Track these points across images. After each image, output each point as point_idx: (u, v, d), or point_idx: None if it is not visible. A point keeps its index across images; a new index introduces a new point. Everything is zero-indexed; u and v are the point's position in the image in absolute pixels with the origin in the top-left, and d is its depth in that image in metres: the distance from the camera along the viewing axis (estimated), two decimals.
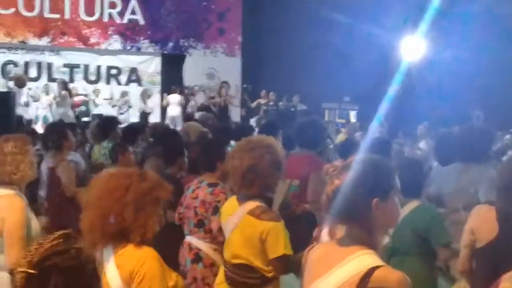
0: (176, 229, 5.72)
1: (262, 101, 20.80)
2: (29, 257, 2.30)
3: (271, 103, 20.78)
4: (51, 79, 20.70)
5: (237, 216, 4.38)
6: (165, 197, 3.41)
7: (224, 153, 5.64)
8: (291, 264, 4.36)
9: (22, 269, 2.27)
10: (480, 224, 4.38)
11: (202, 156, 5.82)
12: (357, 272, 2.57)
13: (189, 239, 5.44)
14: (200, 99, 21.13)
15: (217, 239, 5.19)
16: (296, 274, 4.39)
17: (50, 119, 17.96)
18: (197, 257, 5.31)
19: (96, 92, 20.93)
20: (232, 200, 4.58)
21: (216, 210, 5.21)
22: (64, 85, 18.61)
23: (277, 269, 4.32)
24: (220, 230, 5.01)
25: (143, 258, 3.23)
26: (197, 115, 17.55)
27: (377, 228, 2.75)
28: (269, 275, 4.32)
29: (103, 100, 20.80)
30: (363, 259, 2.62)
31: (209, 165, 5.63)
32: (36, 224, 4.66)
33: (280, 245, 4.22)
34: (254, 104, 21.05)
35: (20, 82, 16.28)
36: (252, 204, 4.33)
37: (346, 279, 2.59)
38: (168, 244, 5.50)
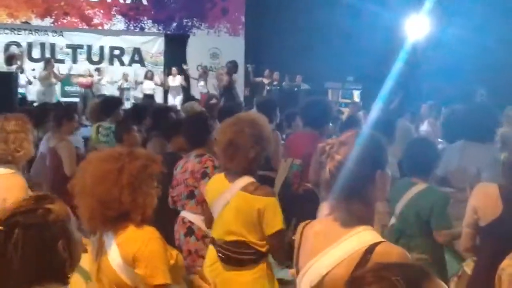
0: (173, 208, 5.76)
1: (265, 80, 20.76)
2: (1, 216, 2.41)
3: (274, 83, 20.75)
4: (54, 59, 20.63)
5: (229, 193, 4.36)
6: (158, 170, 3.40)
7: (208, 128, 5.79)
8: (287, 240, 4.35)
9: None
10: (483, 202, 4.37)
11: (188, 133, 5.87)
12: (357, 249, 2.56)
13: (183, 213, 5.49)
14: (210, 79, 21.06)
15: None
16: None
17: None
18: (190, 230, 5.36)
19: (101, 72, 20.87)
20: (220, 177, 4.54)
21: (204, 175, 5.29)
22: (48, 63, 18.46)
23: (275, 244, 4.32)
24: None
25: (146, 239, 3.23)
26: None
27: (375, 201, 2.75)
28: (263, 249, 4.33)
29: (106, 81, 20.72)
30: (363, 235, 2.61)
31: (196, 141, 5.71)
32: None
33: (277, 220, 4.25)
34: (257, 80, 20.99)
35: (9, 60, 16.15)
36: (245, 180, 4.33)
37: (346, 256, 2.57)
38: (167, 221, 5.58)
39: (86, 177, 3.28)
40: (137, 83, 21.04)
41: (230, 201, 4.35)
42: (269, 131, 4.53)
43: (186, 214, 5.44)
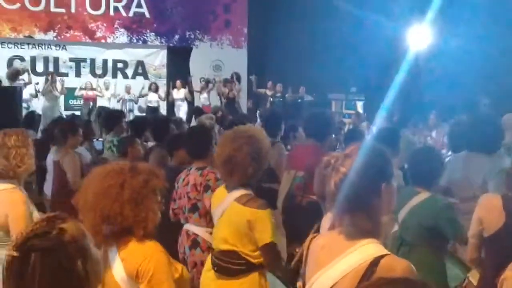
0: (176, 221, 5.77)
1: (268, 91, 20.79)
2: (15, 241, 2.33)
3: (278, 94, 20.78)
4: (58, 73, 20.67)
5: (224, 204, 4.49)
6: (161, 185, 3.40)
7: (210, 141, 5.91)
8: (279, 252, 4.53)
9: (8, 252, 2.29)
10: (488, 213, 4.37)
11: (190, 145, 5.89)
12: (362, 262, 2.56)
13: (186, 226, 5.49)
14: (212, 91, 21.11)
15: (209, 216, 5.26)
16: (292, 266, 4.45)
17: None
18: (194, 243, 5.37)
19: (106, 84, 20.91)
20: (221, 189, 4.67)
21: (207, 188, 5.33)
22: (49, 78, 18.48)
23: (266, 256, 4.41)
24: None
25: (150, 253, 3.23)
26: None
27: (381, 214, 2.73)
28: (254, 261, 4.40)
29: (110, 94, 20.78)
30: (367, 248, 2.61)
31: (197, 153, 5.73)
32: (37, 216, 4.68)
33: (268, 233, 4.32)
34: (260, 91, 21.04)
35: (12, 76, 16.15)
36: (239, 192, 4.43)
37: (351, 269, 2.57)
38: (170, 234, 5.58)
39: (89, 192, 3.28)
40: (141, 96, 21.07)
41: (225, 211, 4.47)
42: (268, 147, 4.60)
43: (190, 227, 5.44)
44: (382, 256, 2.56)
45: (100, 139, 10.69)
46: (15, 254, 2.27)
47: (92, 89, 20.38)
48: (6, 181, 4.69)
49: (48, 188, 7.73)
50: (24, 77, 18.30)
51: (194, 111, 15.53)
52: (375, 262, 2.53)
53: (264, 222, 4.32)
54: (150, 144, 8.52)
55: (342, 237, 2.70)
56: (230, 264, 4.44)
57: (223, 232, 4.49)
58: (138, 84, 21.75)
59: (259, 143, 4.47)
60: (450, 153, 7.71)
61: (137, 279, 3.20)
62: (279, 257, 4.60)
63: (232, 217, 4.42)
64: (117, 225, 3.22)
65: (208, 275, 4.64)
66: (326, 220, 3.87)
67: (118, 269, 3.24)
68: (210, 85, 21.38)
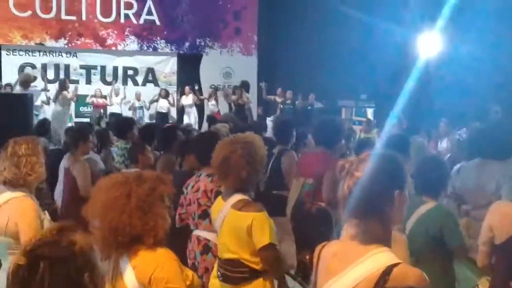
0: (184, 226, 5.77)
1: (278, 98, 20.78)
2: (23, 248, 2.32)
3: (288, 101, 20.77)
4: (68, 80, 20.69)
5: (223, 212, 4.55)
6: (168, 191, 3.40)
7: None
8: (279, 254, 4.56)
9: (15, 259, 2.28)
10: (499, 220, 4.36)
11: (199, 151, 5.92)
12: (374, 271, 2.54)
13: (196, 232, 5.48)
14: (221, 98, 21.12)
15: None
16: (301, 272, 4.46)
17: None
18: (206, 248, 5.36)
19: (116, 91, 20.99)
20: (219, 199, 4.76)
21: (218, 194, 5.28)
22: (61, 85, 18.51)
23: (265, 259, 4.43)
24: None
25: (162, 261, 3.23)
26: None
27: (392, 222, 2.73)
28: (258, 267, 4.44)
29: (120, 100, 20.82)
30: (380, 257, 2.59)
31: (207, 159, 5.68)
32: (47, 224, 4.68)
33: (265, 235, 4.35)
34: (269, 97, 21.05)
35: (25, 83, 16.18)
36: (235, 198, 4.51)
37: (363, 278, 2.55)
38: (175, 239, 5.57)
39: (97, 204, 3.28)
40: (152, 102, 21.10)
41: (224, 219, 4.53)
42: (263, 154, 4.67)
43: (201, 233, 5.43)
44: (394, 265, 2.54)
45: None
46: (23, 261, 2.25)
47: (102, 96, 20.42)
48: (17, 189, 4.70)
49: (58, 194, 7.74)
50: (38, 83, 18.35)
51: (209, 119, 15.52)
52: (388, 271, 2.52)
53: (261, 224, 4.37)
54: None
55: (354, 244, 2.68)
56: (234, 272, 4.48)
57: (225, 240, 4.54)
58: (149, 91, 21.78)
59: (254, 148, 4.57)
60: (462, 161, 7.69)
61: (150, 287, 3.19)
62: (279, 259, 4.60)
63: (231, 224, 4.47)
64: (126, 235, 3.21)
65: (214, 281, 4.70)
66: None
67: (129, 277, 3.24)
68: (219, 92, 21.41)
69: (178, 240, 5.42)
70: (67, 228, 2.41)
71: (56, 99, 18.02)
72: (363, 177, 2.67)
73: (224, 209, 4.54)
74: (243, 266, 4.43)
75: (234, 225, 4.44)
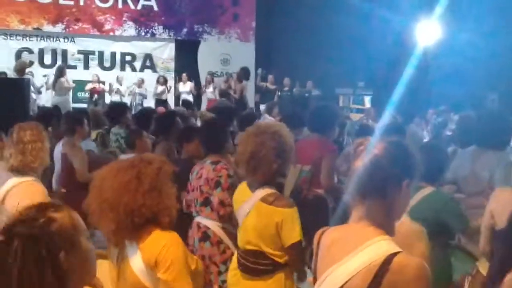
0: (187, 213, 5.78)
1: (270, 85, 20.73)
2: (3, 225, 2.28)
3: (285, 88, 20.74)
4: (66, 66, 20.67)
5: (249, 204, 4.41)
6: (171, 170, 3.42)
7: (226, 134, 5.84)
8: (304, 249, 4.43)
9: None
10: (500, 207, 4.37)
11: (205, 138, 5.87)
12: (375, 259, 2.53)
13: (198, 219, 5.47)
14: (219, 84, 21.07)
15: (219, 212, 5.29)
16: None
17: None
18: (205, 236, 5.35)
19: (119, 79, 20.98)
20: (243, 186, 4.60)
21: (217, 185, 5.32)
22: (59, 72, 18.45)
23: (293, 255, 4.36)
24: (220, 203, 5.26)
25: (169, 243, 3.24)
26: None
27: (396, 212, 2.72)
28: (281, 260, 4.35)
29: (119, 87, 20.79)
30: (380, 245, 2.58)
31: (212, 146, 5.71)
32: None
33: (296, 231, 4.26)
34: (261, 84, 21.02)
35: (21, 70, 16.10)
36: (264, 191, 4.36)
37: (363, 266, 2.54)
38: (181, 227, 5.59)
39: (105, 192, 3.26)
40: (149, 89, 21.04)
41: (250, 211, 4.40)
42: (291, 143, 4.54)
43: (202, 220, 5.42)
44: (395, 254, 2.54)
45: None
46: (1, 238, 2.22)
47: (100, 81, 20.39)
48: (25, 174, 4.73)
49: (55, 180, 7.76)
50: (31, 69, 18.33)
51: (184, 104, 15.36)
52: (388, 260, 2.51)
53: (293, 220, 4.27)
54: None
55: (354, 231, 2.69)
56: (256, 264, 4.40)
57: (248, 232, 4.42)
58: (147, 77, 21.74)
59: (283, 139, 4.41)
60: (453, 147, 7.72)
61: (156, 268, 3.21)
62: (304, 256, 4.52)
63: (259, 217, 4.35)
64: (142, 217, 3.22)
65: (234, 273, 4.60)
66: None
67: (136, 260, 3.26)
68: (216, 80, 21.35)
69: (182, 226, 5.49)
70: (49, 206, 2.36)
71: (53, 86, 17.98)
72: (380, 156, 2.66)
73: (251, 200, 4.41)
74: (267, 258, 4.35)
75: (262, 219, 4.32)
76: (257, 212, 4.35)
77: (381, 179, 2.65)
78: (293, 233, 4.26)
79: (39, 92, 18.55)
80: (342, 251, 2.66)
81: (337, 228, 2.88)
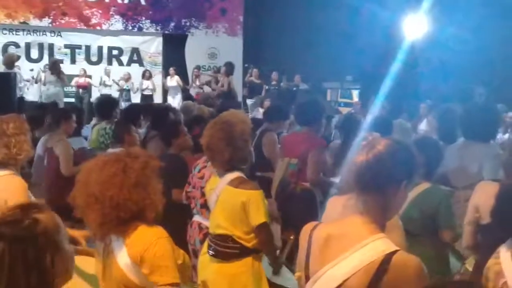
0: (181, 207, 5.79)
1: (255, 80, 20.68)
2: None
3: (273, 83, 20.72)
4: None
5: (218, 189, 4.63)
6: (158, 165, 3.39)
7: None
8: (272, 233, 4.70)
9: None
10: (485, 200, 4.37)
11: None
12: (373, 259, 2.53)
13: (199, 219, 5.47)
14: (204, 78, 21.04)
15: None
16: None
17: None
18: (206, 237, 5.30)
19: (107, 71, 20.89)
20: (213, 177, 4.85)
21: None
22: (55, 65, 18.34)
23: (261, 236, 4.52)
24: None
25: (154, 239, 3.22)
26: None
27: (391, 210, 2.73)
28: (249, 245, 4.52)
29: (106, 81, 20.71)
30: (377, 244, 2.58)
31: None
32: None
33: (261, 213, 4.46)
34: (246, 78, 21.01)
35: (9, 64, 16.00)
36: (231, 176, 4.59)
37: (362, 266, 2.54)
38: (173, 222, 5.58)
39: (91, 186, 3.23)
40: (136, 83, 20.96)
41: (218, 196, 4.61)
42: (241, 129, 4.70)
43: (203, 221, 5.40)
44: (393, 253, 2.54)
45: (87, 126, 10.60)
46: None
47: (87, 76, 20.29)
48: (4, 167, 4.68)
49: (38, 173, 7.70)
50: (18, 63, 18.22)
51: (187, 99, 15.44)
52: (387, 259, 2.52)
53: (258, 202, 4.45)
54: (142, 131, 8.51)
55: (351, 228, 2.68)
56: (225, 248, 4.54)
57: (218, 216, 4.60)
58: (134, 71, 21.64)
59: (231, 128, 4.62)
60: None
61: (142, 264, 3.19)
62: (273, 237, 4.73)
63: (226, 200, 4.53)
64: (127, 211, 3.20)
65: (204, 258, 4.76)
66: (334, 203, 3.85)
67: (122, 255, 3.24)
68: (202, 74, 21.31)
69: (177, 217, 5.48)
70: (32, 206, 2.36)
71: (47, 79, 17.85)
72: (384, 152, 2.66)
73: (219, 185, 4.62)
74: (235, 242, 4.50)
75: (230, 201, 4.51)
76: (225, 196, 4.56)
77: (382, 175, 2.65)
78: (258, 215, 4.44)
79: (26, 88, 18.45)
80: (338, 249, 2.65)
81: (331, 223, 2.88)
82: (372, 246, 2.58)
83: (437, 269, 4.02)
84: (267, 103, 12.20)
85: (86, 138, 9.31)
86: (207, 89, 19.96)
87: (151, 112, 8.76)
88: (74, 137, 7.87)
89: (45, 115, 8.49)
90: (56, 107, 9.04)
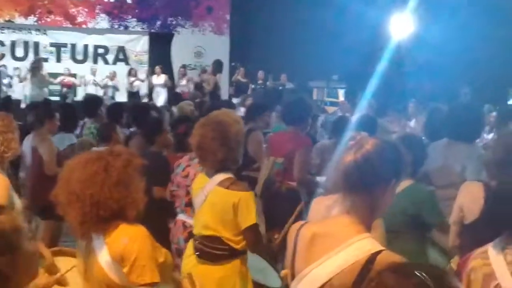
0: (162, 206, 5.76)
1: (241, 78, 20.68)
2: None
3: (259, 82, 20.72)
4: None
5: (207, 189, 4.52)
6: (140, 163, 3.37)
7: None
8: (261, 235, 4.61)
9: None
10: (469, 201, 4.38)
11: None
12: (358, 258, 2.52)
13: (183, 217, 5.46)
14: (192, 76, 21.02)
15: None
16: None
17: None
18: (191, 236, 5.26)
19: (93, 70, 20.84)
20: (202, 176, 4.73)
21: None
22: (38, 65, 18.26)
23: (250, 237, 4.45)
24: None
25: (134, 237, 3.21)
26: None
27: (378, 209, 2.72)
28: (237, 246, 4.45)
29: (92, 79, 20.65)
30: (363, 244, 2.58)
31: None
32: (18, 202, 4.64)
33: (251, 214, 4.38)
34: (233, 78, 21.01)
35: None
36: (221, 177, 4.48)
37: (347, 265, 2.54)
38: (155, 221, 5.56)
39: (72, 183, 3.22)
40: (122, 82, 20.91)
41: (207, 196, 4.50)
42: (237, 129, 4.62)
43: (187, 219, 5.38)
44: (378, 252, 2.53)
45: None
46: None
47: (71, 75, 20.22)
48: None
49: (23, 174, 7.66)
50: (3, 62, 18.17)
51: (173, 97, 15.44)
52: (372, 258, 2.51)
53: (249, 203, 4.39)
54: (126, 130, 8.51)
55: (337, 227, 2.67)
56: (213, 249, 4.46)
57: (206, 217, 4.51)
58: (120, 70, 21.57)
59: (225, 128, 4.51)
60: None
61: (122, 262, 3.18)
62: (262, 239, 4.67)
63: (216, 201, 4.44)
64: (108, 210, 3.18)
65: (189, 260, 4.66)
66: (318, 203, 3.85)
67: (103, 254, 3.23)
68: (189, 72, 21.28)
69: (158, 216, 5.48)
70: None
71: (32, 78, 17.78)
72: (372, 152, 2.66)
73: (208, 186, 4.52)
74: (223, 243, 4.43)
75: (220, 202, 4.43)
76: (215, 196, 4.46)
77: (370, 175, 2.64)
78: (248, 216, 4.37)
79: (10, 86, 18.38)
80: (323, 248, 2.64)
81: (318, 222, 2.87)
82: (358, 246, 2.57)
83: None
84: (249, 101, 12.19)
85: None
86: (192, 87, 19.95)
87: (130, 110, 8.74)
88: (67, 133, 7.80)
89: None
90: (39, 105, 8.96)
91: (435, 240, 5.33)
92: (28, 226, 2.61)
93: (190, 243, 4.73)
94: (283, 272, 2.93)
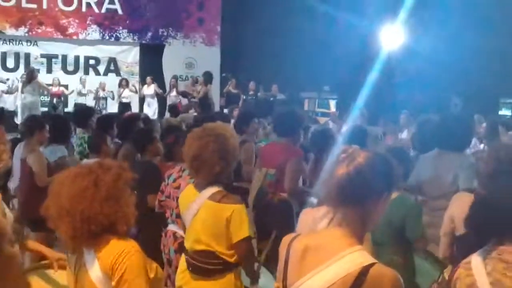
0: (155, 215, 5.76)
1: (232, 89, 20.71)
2: None
3: (250, 92, 20.76)
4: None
5: (197, 203, 4.44)
6: (131, 177, 3.33)
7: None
8: (253, 247, 4.56)
9: None
10: (460, 211, 4.37)
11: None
12: (351, 271, 2.52)
13: (174, 228, 5.42)
14: (181, 87, 21.05)
15: None
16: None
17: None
18: (182, 247, 5.20)
19: (82, 81, 20.85)
20: (190, 188, 4.65)
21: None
22: (32, 74, 18.25)
23: (242, 251, 4.39)
24: None
25: (125, 251, 3.17)
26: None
27: (370, 222, 2.71)
28: (231, 260, 4.38)
29: (87, 90, 20.67)
30: (355, 256, 2.57)
31: None
32: (9, 215, 4.60)
33: (244, 227, 4.32)
34: (224, 90, 21.06)
35: None
36: (212, 190, 4.41)
37: (339, 277, 2.53)
38: (149, 228, 5.54)
39: (62, 198, 3.18)
40: (117, 93, 20.91)
41: (198, 210, 4.41)
42: (235, 144, 4.58)
43: (178, 230, 5.35)
44: (371, 265, 2.53)
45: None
46: None
47: (60, 85, 20.21)
48: None
49: (13, 185, 7.63)
50: None
51: (170, 109, 15.50)
52: (364, 271, 2.51)
53: (242, 216, 4.32)
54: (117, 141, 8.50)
55: (329, 240, 2.66)
56: (206, 264, 4.40)
57: (197, 232, 4.43)
58: (111, 81, 21.57)
59: (226, 140, 4.45)
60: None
61: (112, 277, 3.14)
62: (253, 251, 4.64)
63: (208, 215, 4.37)
64: (98, 225, 3.15)
65: (183, 276, 4.59)
66: (306, 214, 3.83)
67: (94, 268, 3.19)
68: (180, 83, 21.32)
69: (152, 225, 5.50)
70: None
71: (25, 88, 17.75)
72: (364, 165, 2.65)
73: (198, 200, 4.43)
74: (216, 258, 4.36)
75: (212, 217, 4.34)
76: (206, 211, 4.38)
77: (362, 187, 2.64)
78: (241, 230, 4.31)
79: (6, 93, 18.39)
80: (315, 260, 2.64)
81: (310, 235, 2.87)
82: (350, 258, 2.57)
83: (404, 277, 4.05)
84: (236, 112, 12.23)
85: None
86: (183, 99, 20.00)
87: (118, 121, 8.75)
88: (58, 145, 7.76)
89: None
90: (28, 116, 8.95)
91: (428, 251, 5.34)
92: (18, 230, 2.58)
93: (183, 258, 4.65)
94: (275, 285, 2.92)
